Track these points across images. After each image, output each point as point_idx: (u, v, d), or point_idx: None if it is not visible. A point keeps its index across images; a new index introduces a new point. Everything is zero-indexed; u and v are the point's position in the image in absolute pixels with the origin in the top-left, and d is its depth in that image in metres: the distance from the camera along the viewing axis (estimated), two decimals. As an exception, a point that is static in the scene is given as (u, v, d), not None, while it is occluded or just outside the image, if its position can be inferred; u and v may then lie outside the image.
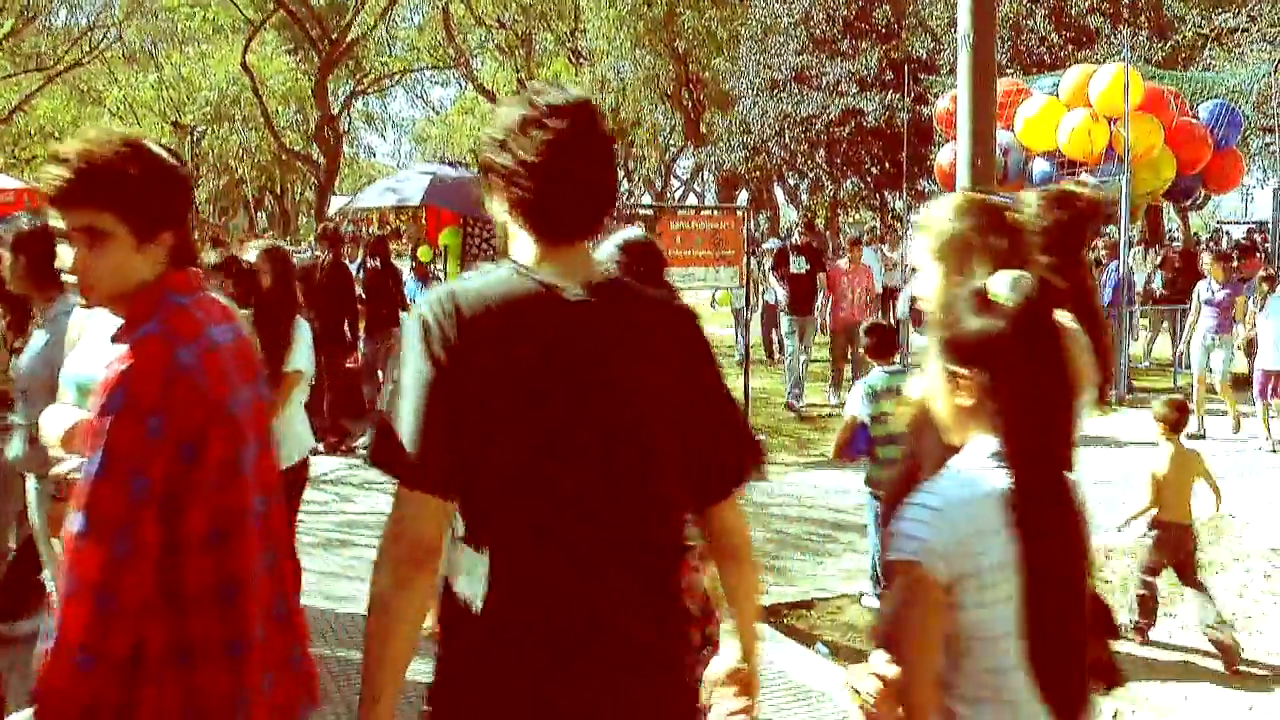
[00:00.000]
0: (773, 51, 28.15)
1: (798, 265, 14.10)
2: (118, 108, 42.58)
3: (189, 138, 40.61)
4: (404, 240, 15.47)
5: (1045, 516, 2.22)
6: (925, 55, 25.03)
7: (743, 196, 33.35)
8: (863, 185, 29.56)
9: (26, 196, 15.42)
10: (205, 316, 2.42)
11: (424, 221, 14.50)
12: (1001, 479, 2.20)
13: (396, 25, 40.53)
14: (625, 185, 46.44)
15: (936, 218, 3.03)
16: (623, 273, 3.59)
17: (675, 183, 48.34)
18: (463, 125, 48.89)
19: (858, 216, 37.51)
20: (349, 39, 33.44)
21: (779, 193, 37.01)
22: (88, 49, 35.62)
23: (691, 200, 46.26)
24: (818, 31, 27.57)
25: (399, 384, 2.10)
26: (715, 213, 13.33)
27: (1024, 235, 3.06)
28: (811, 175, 30.03)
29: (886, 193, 29.64)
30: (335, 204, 19.16)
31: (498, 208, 2.21)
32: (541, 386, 2.06)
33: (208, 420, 2.29)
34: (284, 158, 39.06)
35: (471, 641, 2.11)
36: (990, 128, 4.78)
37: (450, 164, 14.52)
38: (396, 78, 43.69)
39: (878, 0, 27.28)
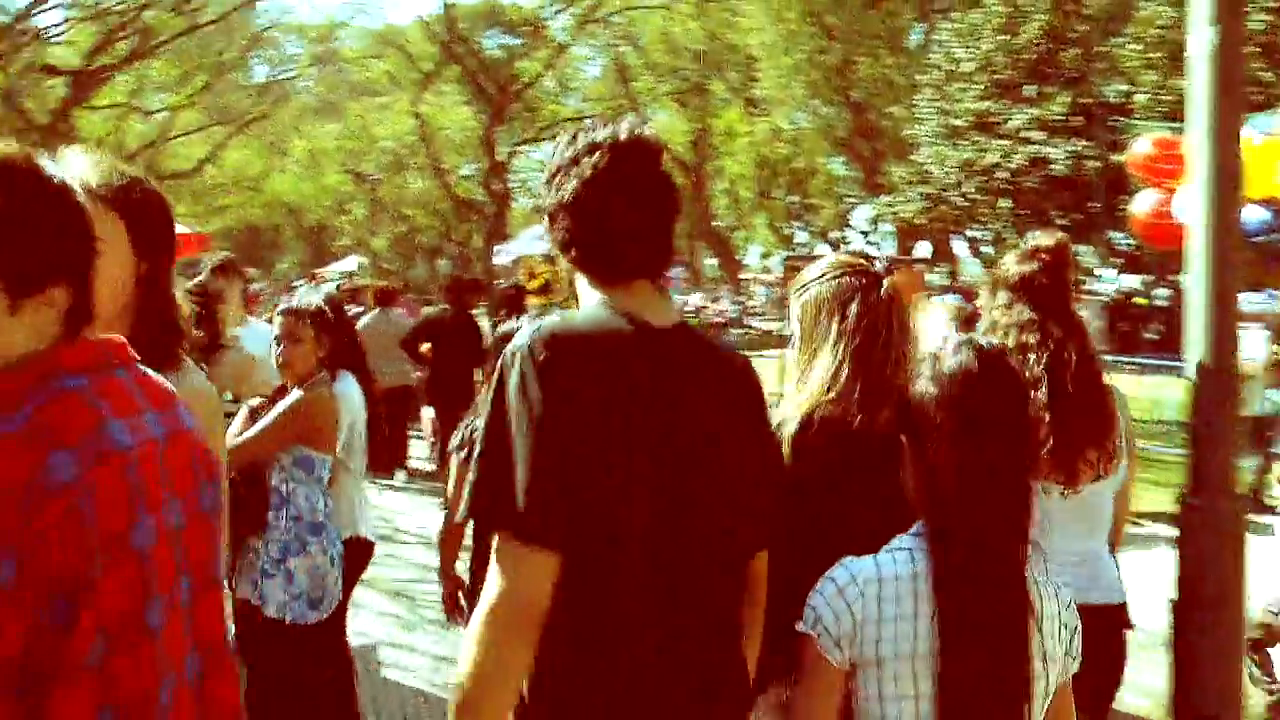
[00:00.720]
0: (953, 98, 27.03)
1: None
2: (302, 157, 43.83)
3: (366, 186, 41.37)
4: (555, 293, 14.89)
5: (973, 607, 2.04)
6: (1117, 99, 23.56)
7: (922, 249, 32.12)
8: (1048, 237, 27.94)
9: (184, 241, 15.45)
10: (111, 407, 1.68)
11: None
12: (922, 560, 2.08)
13: (569, 75, 40.73)
14: (803, 236, 45.73)
15: None
16: None
17: (852, 234, 47.18)
18: (636, 175, 48.72)
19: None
20: (515, 88, 33.50)
21: (959, 245, 35.54)
22: (273, 101, 36.52)
23: (871, 253, 44.85)
24: (1001, 76, 26.31)
25: (488, 430, 1.96)
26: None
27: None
28: (994, 226, 28.60)
29: (1074, 245, 27.96)
30: (511, 251, 18.73)
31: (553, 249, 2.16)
32: (645, 425, 1.98)
33: (92, 562, 1.56)
34: (456, 206, 39.37)
35: (560, 690, 2.01)
36: (1234, 160, 3.77)
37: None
38: (565, 126, 43.72)
39: (1065, 42, 25.88)
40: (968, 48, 26.79)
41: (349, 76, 42.90)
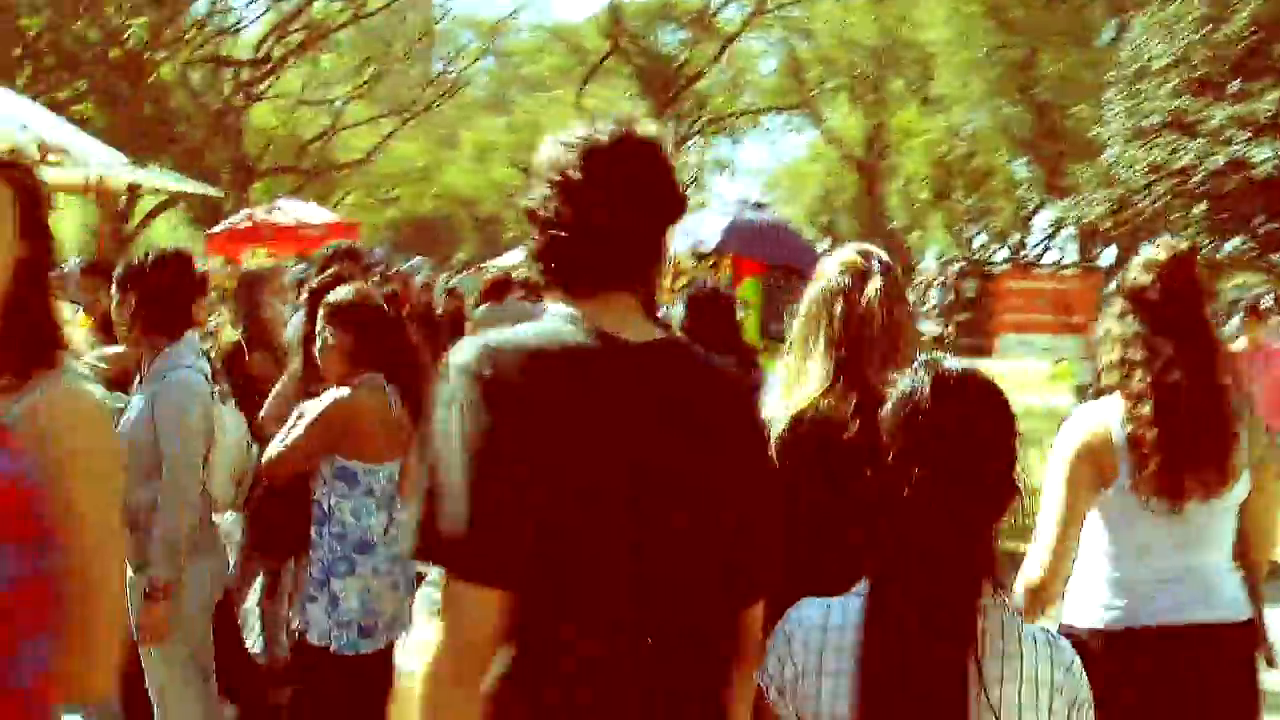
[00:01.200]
0: (1146, 96, 25.33)
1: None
2: (471, 151, 44.24)
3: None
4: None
5: (899, 667, 1.79)
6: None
7: (1107, 255, 30.39)
8: (1249, 245, 26.03)
9: (331, 229, 15.43)
10: None
11: (726, 271, 13.11)
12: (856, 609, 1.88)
13: (740, 70, 39.96)
14: (982, 239, 44.11)
15: None
16: (687, 331, 4.10)
17: (1033, 238, 45.27)
18: (810, 173, 47.85)
19: (1242, 280, 33.40)
20: (681, 82, 32.92)
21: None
22: (442, 94, 36.77)
23: (1052, 258, 43.02)
24: (1200, 72, 24.50)
25: (431, 458, 1.81)
26: (1069, 272, 11.46)
27: None
28: (1186, 232, 26.72)
29: (1277, 255, 25.99)
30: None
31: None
32: (604, 452, 1.83)
33: None
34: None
35: None
36: None
37: (756, 204, 12.98)
38: (734, 120, 42.84)
39: (1277, 34, 23.94)
40: (1166, 41, 25.09)
41: (518, 71, 43.04)
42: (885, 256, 2.81)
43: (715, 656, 1.97)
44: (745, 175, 59.09)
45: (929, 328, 31.51)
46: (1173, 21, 25.23)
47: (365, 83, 31.89)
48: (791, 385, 2.75)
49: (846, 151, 40.70)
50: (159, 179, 11.92)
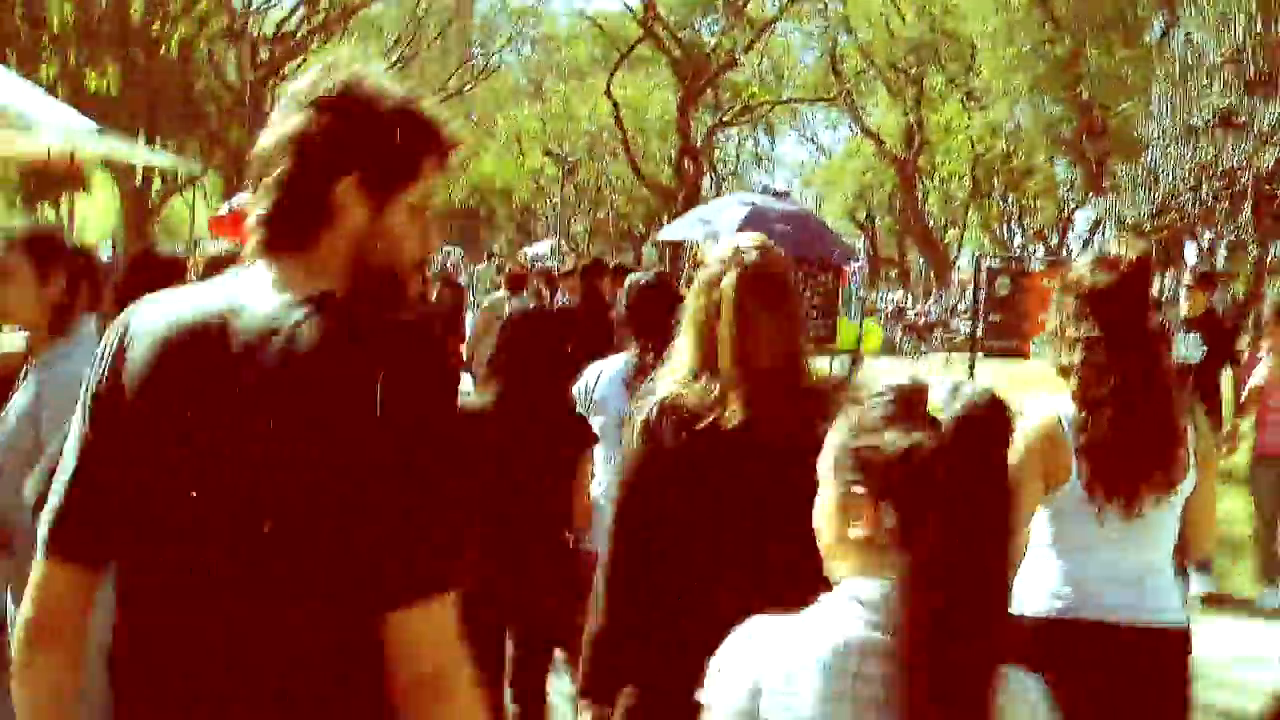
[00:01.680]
0: (1193, 94, 24.54)
1: (1188, 348, 8.35)
2: (504, 137, 43.80)
3: (563, 169, 40.95)
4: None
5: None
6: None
7: (1147, 256, 29.47)
8: (1299, 247, 25.22)
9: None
10: None
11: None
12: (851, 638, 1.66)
13: (781, 62, 39.29)
14: (1019, 238, 43.26)
15: None
16: (627, 318, 4.73)
17: (1072, 237, 44.37)
18: (848, 168, 47.15)
19: (1287, 285, 32.55)
20: (713, 70, 32.30)
21: (1190, 253, 32.64)
22: (475, 78, 36.36)
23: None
24: (1253, 69, 23.69)
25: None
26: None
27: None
28: (1232, 234, 25.93)
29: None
30: (672, 234, 16.98)
31: None
32: (187, 434, 1.70)
33: None
34: (650, 190, 38.47)
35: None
36: None
37: (777, 193, 12.45)
38: (771, 113, 42.14)
39: (1334, 31, 23.10)
40: (1216, 36, 24.29)
41: (553, 57, 42.57)
42: (764, 248, 2.81)
43: (327, 663, 1.72)
44: (783, 169, 58.29)
45: (963, 328, 30.87)
46: (1224, 17, 24.46)
47: (396, 63, 31.44)
48: (664, 374, 2.81)
49: (885, 147, 39.92)
50: (129, 152, 11.47)
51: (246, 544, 1.69)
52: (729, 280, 2.70)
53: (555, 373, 4.32)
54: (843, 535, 1.76)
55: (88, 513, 1.78)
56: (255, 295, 1.77)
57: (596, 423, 4.44)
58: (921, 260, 49.26)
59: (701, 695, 1.81)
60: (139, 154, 11.53)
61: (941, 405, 1.69)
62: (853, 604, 1.70)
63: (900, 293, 39.69)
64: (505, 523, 4.04)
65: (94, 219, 61.07)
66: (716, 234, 11.75)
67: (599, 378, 4.70)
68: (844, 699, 1.66)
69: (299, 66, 29.60)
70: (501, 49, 38.11)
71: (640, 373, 4.22)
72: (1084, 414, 3.05)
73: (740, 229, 11.28)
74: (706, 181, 39.19)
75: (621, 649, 2.73)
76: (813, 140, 55.36)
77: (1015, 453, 2.61)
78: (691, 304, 2.80)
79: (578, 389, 4.72)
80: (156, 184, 27.14)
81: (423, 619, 1.72)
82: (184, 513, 1.71)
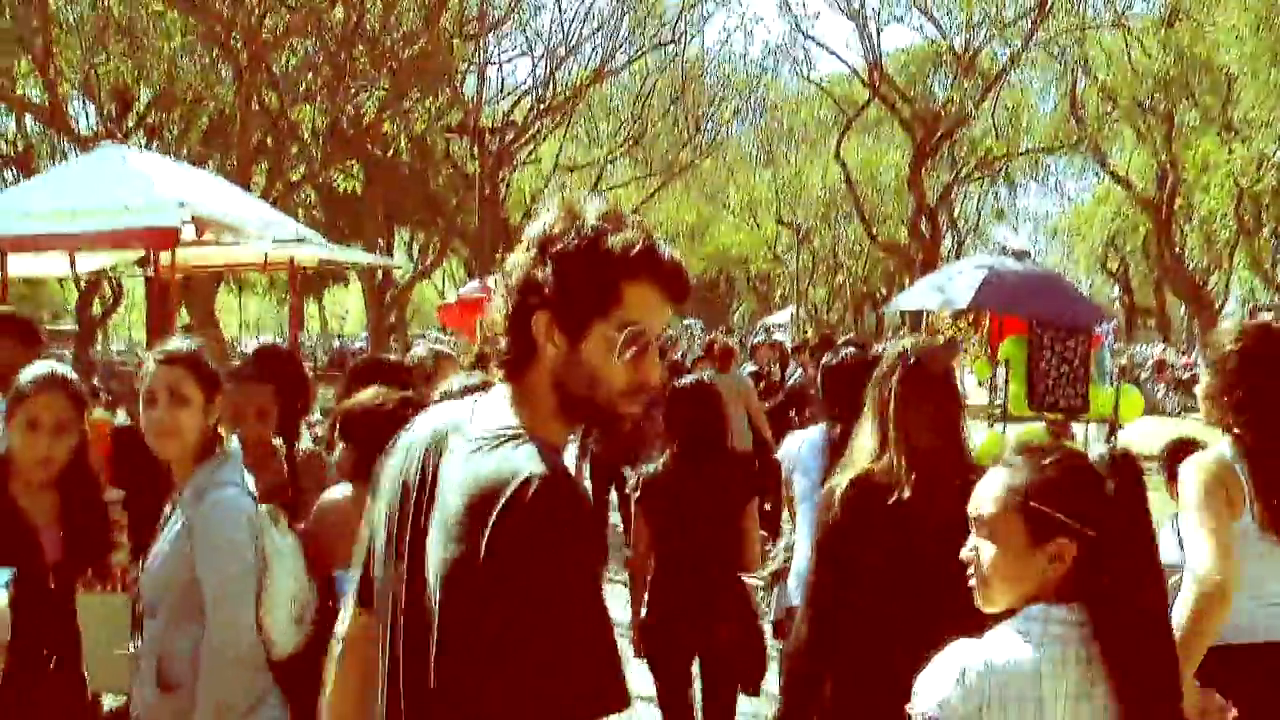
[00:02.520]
0: None
1: None
2: (738, 208, 43.74)
3: (797, 236, 40.51)
4: (966, 355, 12.69)
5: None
6: None
7: None
8: None
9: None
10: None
11: (985, 329, 11.73)
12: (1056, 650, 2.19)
13: (1017, 111, 37.79)
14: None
15: None
16: (824, 395, 5.15)
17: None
18: (1095, 216, 44.91)
19: None
20: (944, 126, 31.25)
21: None
22: (703, 150, 36.41)
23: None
24: None
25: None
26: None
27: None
28: None
29: None
30: (906, 304, 16.15)
31: None
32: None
33: None
34: (887, 254, 37.51)
35: None
36: None
37: (1017, 254, 11.57)
38: (1010, 164, 40.50)
39: None
40: None
41: (781, 124, 42.30)
42: (927, 350, 3.39)
43: None
44: (1026, 222, 56.01)
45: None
46: None
47: (625, 142, 31.82)
48: (856, 450, 3.35)
49: (1135, 190, 37.75)
50: (339, 253, 11.69)
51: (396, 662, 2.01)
52: (895, 379, 3.30)
53: (719, 437, 5.10)
54: (1030, 571, 2.23)
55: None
56: (477, 418, 2.03)
57: (799, 484, 4.98)
58: (1183, 308, 46.28)
59: (916, 708, 2.22)
60: (346, 254, 11.82)
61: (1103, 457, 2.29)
62: (1051, 624, 2.18)
63: (1160, 345, 37.24)
64: (688, 568, 4.89)
65: (354, 311, 64.14)
66: (951, 302, 11.02)
67: (801, 445, 5.13)
68: (1060, 699, 2.14)
69: (530, 153, 30.33)
70: (729, 121, 38.04)
71: (832, 443, 4.71)
72: (1260, 458, 3.46)
73: (975, 297, 10.55)
74: (948, 240, 38.01)
75: (817, 686, 3.14)
76: (1056, 189, 53.09)
77: (1201, 490, 3.41)
78: (870, 395, 3.37)
79: (782, 454, 5.46)
80: (402, 273, 28.10)
81: None
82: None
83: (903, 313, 21.82)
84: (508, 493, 1.83)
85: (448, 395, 3.15)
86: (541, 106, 27.45)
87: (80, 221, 7.76)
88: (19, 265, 9.80)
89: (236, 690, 3.09)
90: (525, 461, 1.88)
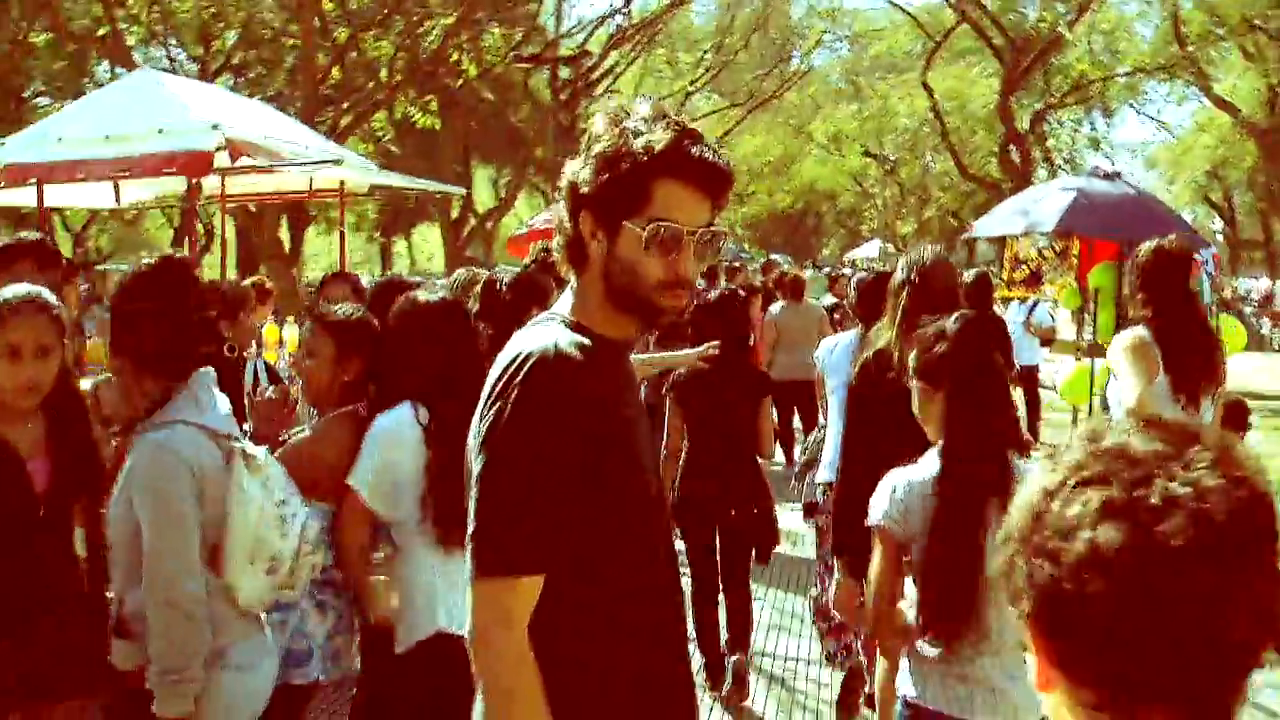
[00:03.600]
0: None
1: None
2: (823, 140, 42.85)
3: (884, 169, 39.57)
4: (1043, 285, 12.04)
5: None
6: None
7: None
8: None
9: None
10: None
11: (1074, 254, 11.12)
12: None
13: (1114, 36, 36.29)
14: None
15: None
16: (856, 307, 6.14)
17: None
18: (1197, 144, 43.24)
19: None
20: (1036, 50, 30.05)
21: None
22: (787, 81, 35.60)
23: None
24: None
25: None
26: None
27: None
28: None
29: None
30: (988, 229, 15.00)
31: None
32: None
33: None
34: (977, 184, 36.43)
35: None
36: None
37: (1105, 175, 10.90)
38: (1105, 91, 38.90)
39: None
40: None
41: (867, 54, 41.22)
42: (937, 261, 4.45)
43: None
44: (1122, 151, 54.16)
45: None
46: None
47: (706, 73, 31.19)
48: (876, 337, 4.54)
49: (1241, 116, 36.15)
50: (391, 178, 11.40)
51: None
52: (906, 290, 4.36)
53: (741, 344, 6.06)
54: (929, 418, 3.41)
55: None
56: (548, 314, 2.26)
57: (829, 382, 5.70)
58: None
59: (869, 521, 3.34)
60: (397, 179, 11.57)
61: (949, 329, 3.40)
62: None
63: (1266, 280, 35.84)
64: (711, 454, 5.83)
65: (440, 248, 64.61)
66: (1036, 225, 10.44)
67: (835, 348, 5.82)
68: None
69: (608, 86, 29.87)
70: (810, 51, 37.12)
71: (863, 347, 5.28)
72: (1160, 338, 4.65)
73: (1062, 220, 9.99)
74: (1042, 172, 36.77)
75: (858, 511, 3.50)
76: (1155, 118, 51.18)
77: (1124, 359, 4.67)
78: (889, 300, 4.46)
79: (817, 354, 6.15)
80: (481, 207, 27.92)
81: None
82: None
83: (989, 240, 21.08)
84: (509, 367, 2.07)
85: None
86: (619, 34, 26.88)
87: (113, 146, 7.54)
88: (60, 196, 9.65)
89: (185, 638, 2.94)
90: (532, 341, 2.10)
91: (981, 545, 2.98)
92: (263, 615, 3.26)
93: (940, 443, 3.21)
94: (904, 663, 3.27)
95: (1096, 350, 9.81)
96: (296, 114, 14.56)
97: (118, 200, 10.78)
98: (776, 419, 7.89)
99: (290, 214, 23.04)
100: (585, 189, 2.11)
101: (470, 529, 2.05)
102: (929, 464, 3.20)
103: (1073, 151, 42.93)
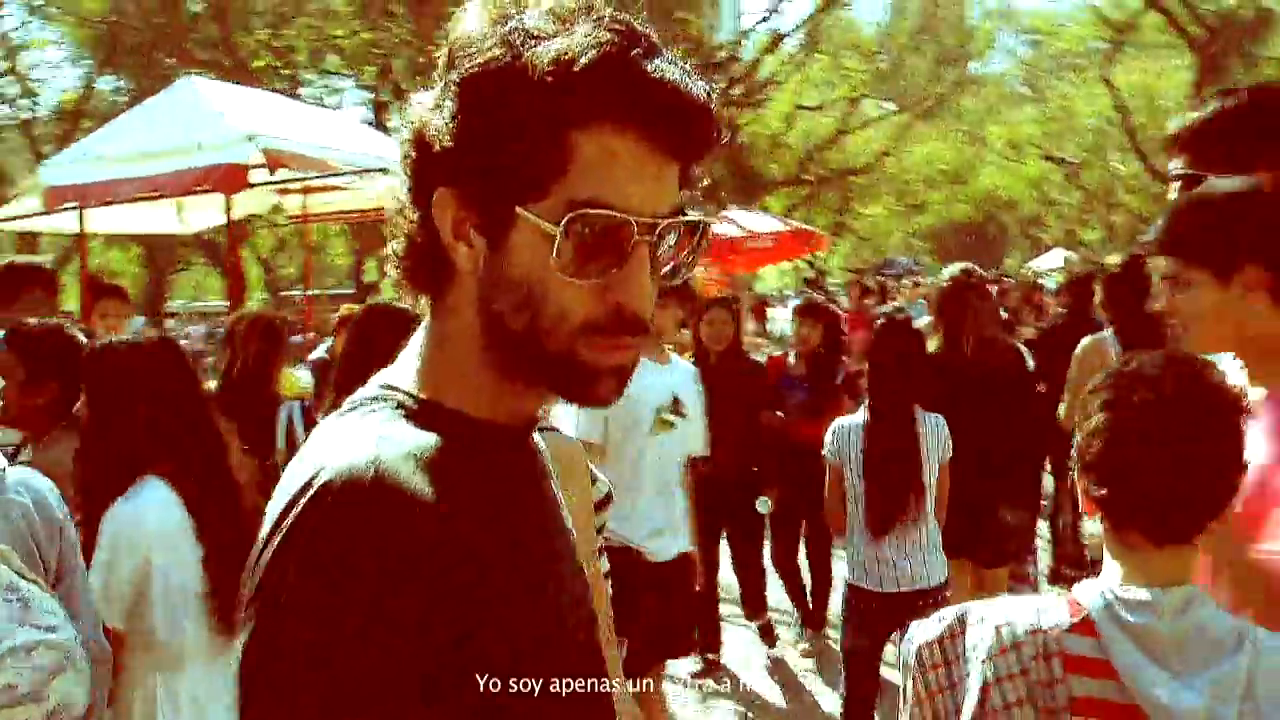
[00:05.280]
0: None
1: None
2: (1001, 146, 40.88)
3: (1065, 173, 37.43)
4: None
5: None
6: None
7: None
8: None
9: (782, 240, 13.76)
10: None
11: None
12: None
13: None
14: None
15: None
16: (937, 315, 6.39)
17: None
18: None
19: None
20: (1233, 36, 27.71)
21: None
22: (955, 84, 34.01)
23: None
24: None
25: None
26: None
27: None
28: None
29: None
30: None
31: None
32: None
33: None
34: (1159, 186, 34.04)
35: None
36: None
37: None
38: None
39: None
40: None
41: (1044, 52, 39.20)
42: (968, 273, 5.81)
43: None
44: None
45: None
46: None
47: (872, 77, 29.81)
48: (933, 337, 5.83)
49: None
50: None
51: None
52: (946, 291, 5.76)
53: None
54: None
55: None
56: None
57: None
58: None
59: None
60: None
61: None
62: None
63: None
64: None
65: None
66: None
67: None
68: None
69: (764, 92, 28.82)
70: (982, 53, 35.43)
71: None
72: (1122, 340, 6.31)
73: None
74: (1241, 169, 34.00)
75: None
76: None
77: (1074, 364, 6.77)
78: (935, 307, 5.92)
79: None
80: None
81: None
82: None
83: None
84: (294, 505, 1.08)
85: None
86: (775, 37, 25.83)
87: (151, 164, 6.87)
88: (109, 220, 8.99)
89: None
90: (335, 451, 1.11)
91: (890, 469, 4.84)
92: None
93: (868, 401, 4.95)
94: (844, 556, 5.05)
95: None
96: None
97: (181, 222, 9.76)
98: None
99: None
100: (442, 144, 1.14)
101: None
102: (858, 415, 5.00)
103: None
